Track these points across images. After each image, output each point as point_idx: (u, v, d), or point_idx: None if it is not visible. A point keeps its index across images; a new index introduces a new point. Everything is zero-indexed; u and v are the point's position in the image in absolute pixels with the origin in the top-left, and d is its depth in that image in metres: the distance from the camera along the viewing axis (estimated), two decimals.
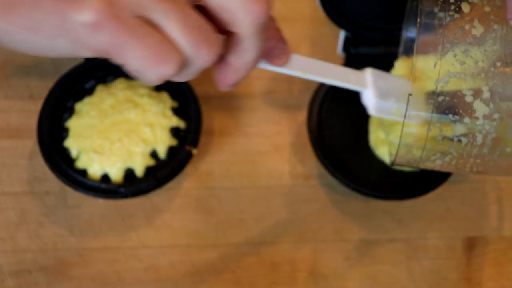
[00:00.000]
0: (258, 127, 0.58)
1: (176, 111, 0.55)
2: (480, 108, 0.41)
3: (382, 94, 0.47)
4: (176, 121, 0.54)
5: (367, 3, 0.53)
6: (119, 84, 0.55)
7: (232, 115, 0.59)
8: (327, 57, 0.61)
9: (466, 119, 0.41)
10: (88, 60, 0.55)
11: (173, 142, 0.54)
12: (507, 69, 0.41)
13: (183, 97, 0.55)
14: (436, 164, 0.44)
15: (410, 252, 0.53)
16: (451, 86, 0.41)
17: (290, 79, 0.60)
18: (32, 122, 0.54)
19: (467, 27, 0.41)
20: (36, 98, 0.57)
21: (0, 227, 0.53)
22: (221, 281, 0.52)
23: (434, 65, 0.40)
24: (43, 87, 0.56)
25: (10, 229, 0.53)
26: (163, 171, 0.52)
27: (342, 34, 0.56)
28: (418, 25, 0.42)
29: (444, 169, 0.44)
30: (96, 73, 0.56)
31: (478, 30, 0.41)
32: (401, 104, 0.47)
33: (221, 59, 0.38)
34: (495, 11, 0.42)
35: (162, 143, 0.53)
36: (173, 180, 0.52)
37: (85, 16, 0.32)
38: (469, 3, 0.41)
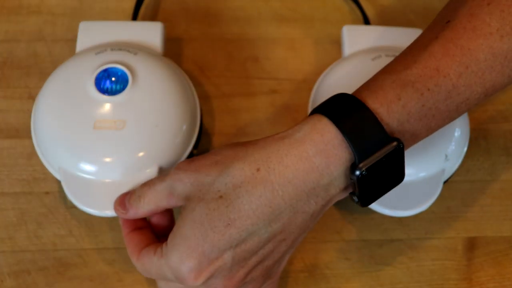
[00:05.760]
0: (258, 127, 0.58)
1: None
2: None
3: None
4: None
5: None
6: None
7: (232, 115, 0.58)
8: (329, 57, 0.61)
9: None
10: None
11: None
12: None
13: None
14: None
15: (411, 253, 0.53)
16: None
17: (291, 79, 0.60)
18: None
19: None
20: (35, 98, 0.56)
21: None
22: None
23: None
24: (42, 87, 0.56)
25: (9, 230, 0.53)
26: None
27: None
28: None
29: None
30: None
31: None
32: None
33: None
34: None
35: None
36: None
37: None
38: None
